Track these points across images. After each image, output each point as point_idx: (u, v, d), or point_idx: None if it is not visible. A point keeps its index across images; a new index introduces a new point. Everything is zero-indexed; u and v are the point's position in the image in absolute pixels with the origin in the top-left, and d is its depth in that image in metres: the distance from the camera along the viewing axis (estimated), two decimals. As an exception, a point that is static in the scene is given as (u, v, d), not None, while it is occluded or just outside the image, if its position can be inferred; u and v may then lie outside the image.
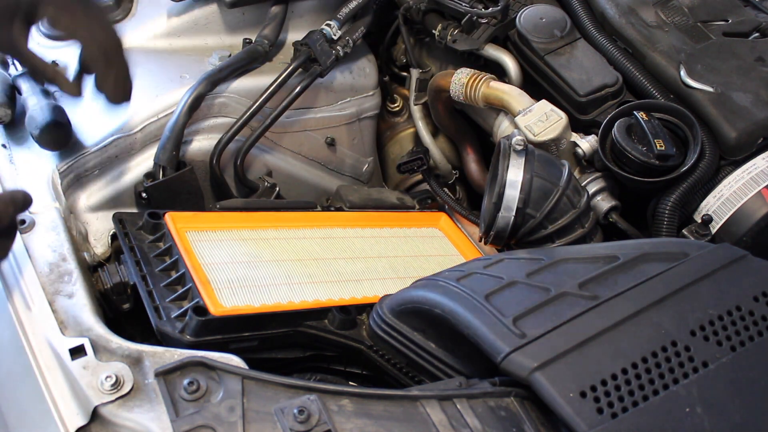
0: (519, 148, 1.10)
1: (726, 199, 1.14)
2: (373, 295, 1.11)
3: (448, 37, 1.37)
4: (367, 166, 1.56)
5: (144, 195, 1.21)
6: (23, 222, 1.05)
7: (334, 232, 1.26)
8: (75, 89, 0.95)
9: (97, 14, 0.93)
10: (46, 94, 1.20)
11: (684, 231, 1.13)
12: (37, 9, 0.89)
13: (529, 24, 1.31)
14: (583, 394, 0.77)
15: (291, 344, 1.05)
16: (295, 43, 1.36)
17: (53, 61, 1.31)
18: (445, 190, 1.49)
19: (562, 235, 1.11)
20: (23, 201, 0.85)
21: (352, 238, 1.26)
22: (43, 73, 0.94)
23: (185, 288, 1.00)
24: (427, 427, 0.79)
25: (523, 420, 0.81)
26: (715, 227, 1.14)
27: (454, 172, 1.52)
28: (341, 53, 1.36)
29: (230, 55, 1.34)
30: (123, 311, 1.10)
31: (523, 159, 1.09)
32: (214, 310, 0.95)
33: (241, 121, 1.29)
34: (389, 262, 1.23)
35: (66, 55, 1.34)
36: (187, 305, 0.97)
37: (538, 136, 1.19)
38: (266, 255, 1.14)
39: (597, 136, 1.19)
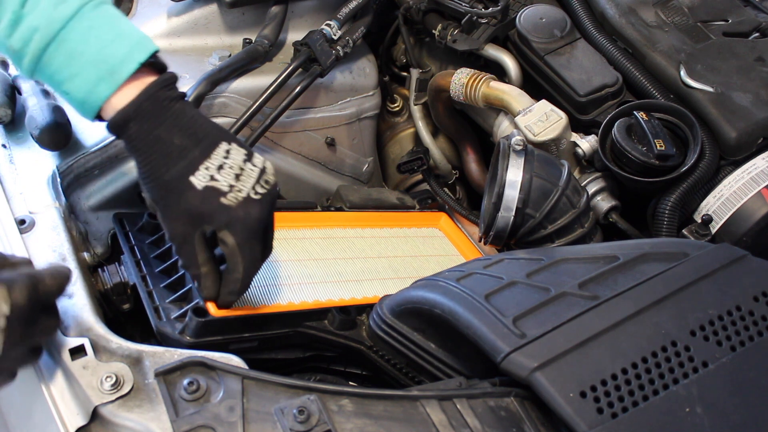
0: (518, 148, 1.10)
1: (726, 199, 1.14)
2: (373, 296, 1.11)
3: (448, 37, 1.37)
4: (367, 166, 1.56)
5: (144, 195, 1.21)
6: (23, 222, 1.05)
7: (334, 232, 1.26)
8: (215, 294, 0.95)
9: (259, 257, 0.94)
10: (46, 94, 1.20)
11: (684, 231, 1.13)
12: (220, 233, 0.89)
13: (529, 24, 1.31)
14: (583, 394, 0.77)
15: (291, 345, 1.05)
16: (295, 43, 1.36)
17: None
18: (445, 190, 1.49)
19: (562, 235, 1.11)
20: (67, 277, 0.84)
21: (352, 238, 1.26)
22: (196, 274, 0.93)
23: (185, 289, 1.00)
24: (427, 427, 0.79)
25: (523, 420, 0.81)
26: (715, 227, 1.14)
27: (454, 172, 1.52)
28: (341, 53, 1.36)
29: (230, 55, 1.34)
30: (123, 311, 1.10)
31: (523, 159, 1.09)
32: (214, 311, 0.95)
33: (241, 121, 1.29)
34: (389, 262, 1.23)
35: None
36: (187, 306, 0.97)
37: (538, 136, 1.19)
38: None
39: (597, 136, 1.19)
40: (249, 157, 0.90)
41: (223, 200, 0.87)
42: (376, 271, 1.20)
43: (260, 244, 0.92)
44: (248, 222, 0.88)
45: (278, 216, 1.22)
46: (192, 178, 0.87)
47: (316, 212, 1.29)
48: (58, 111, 1.16)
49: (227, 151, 0.88)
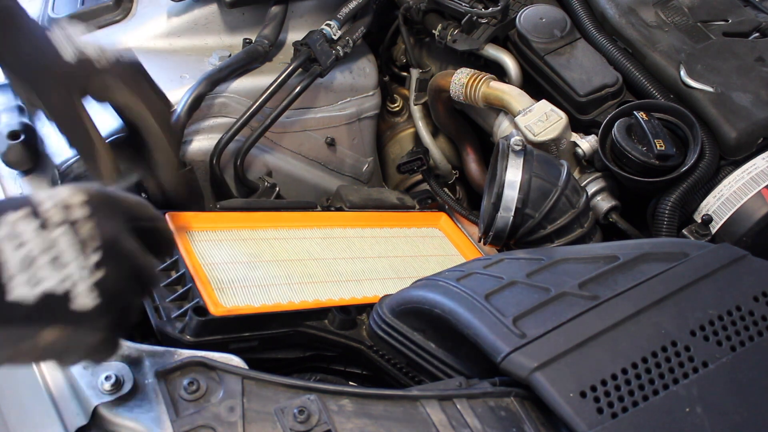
0: (517, 148, 1.10)
1: (726, 199, 1.14)
2: (373, 295, 1.11)
3: (448, 37, 1.37)
4: (367, 166, 1.56)
5: (144, 195, 1.21)
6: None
7: (334, 232, 1.26)
8: (111, 175, 0.89)
9: (153, 86, 0.90)
10: (21, 111, 1.19)
11: (684, 231, 1.13)
12: (90, 80, 0.86)
13: (529, 24, 1.31)
14: (583, 394, 0.77)
15: (291, 344, 1.05)
16: (295, 43, 1.36)
17: None
18: (445, 190, 1.49)
19: (561, 235, 1.11)
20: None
21: (352, 238, 1.26)
22: (84, 151, 0.88)
23: (185, 288, 1.00)
24: (427, 427, 0.79)
25: (523, 420, 0.81)
26: (715, 227, 1.14)
27: (454, 172, 1.52)
28: (341, 53, 1.36)
29: (230, 55, 1.34)
30: (123, 311, 1.09)
31: (522, 159, 1.09)
32: (215, 310, 0.95)
33: (241, 121, 1.29)
34: (389, 262, 1.23)
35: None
36: (187, 305, 0.97)
37: (538, 136, 1.19)
38: (266, 255, 1.14)
39: (597, 136, 1.19)
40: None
41: (96, 65, 0.86)
42: (376, 271, 1.20)
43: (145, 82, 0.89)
44: (115, 68, 0.86)
45: (278, 216, 1.22)
46: (64, 56, 0.85)
47: (316, 212, 1.29)
48: (28, 131, 1.15)
49: None
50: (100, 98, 0.88)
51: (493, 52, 1.34)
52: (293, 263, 1.14)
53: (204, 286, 0.99)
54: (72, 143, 0.89)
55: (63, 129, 0.88)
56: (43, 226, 0.59)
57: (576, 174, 1.23)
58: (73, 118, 0.86)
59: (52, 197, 0.61)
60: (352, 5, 1.39)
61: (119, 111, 0.89)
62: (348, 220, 1.30)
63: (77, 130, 0.87)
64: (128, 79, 0.86)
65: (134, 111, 0.87)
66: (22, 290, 0.57)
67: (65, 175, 1.16)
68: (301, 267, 1.13)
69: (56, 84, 0.86)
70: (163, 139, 0.87)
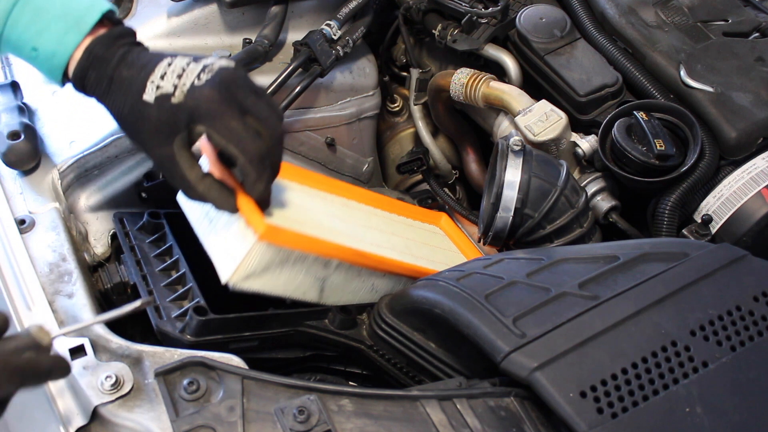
0: (516, 148, 1.10)
1: (726, 199, 1.14)
2: (399, 260, 1.09)
3: (448, 37, 1.37)
4: (367, 166, 1.56)
5: (144, 195, 1.21)
6: (23, 222, 1.05)
7: (351, 203, 1.24)
8: (233, 207, 0.91)
9: (248, 123, 0.89)
10: (21, 111, 1.20)
11: (684, 231, 1.13)
12: (193, 129, 0.87)
13: (529, 24, 1.31)
14: (583, 394, 0.77)
15: (291, 344, 1.05)
16: (295, 43, 1.36)
17: None
18: (445, 190, 1.49)
19: (561, 235, 1.11)
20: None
21: (368, 214, 1.25)
22: (198, 194, 0.90)
23: (185, 288, 1.00)
24: (427, 427, 0.79)
25: (523, 420, 0.81)
26: (715, 227, 1.14)
27: (454, 172, 1.52)
28: (341, 53, 1.36)
29: (230, 55, 1.34)
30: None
31: (521, 159, 1.09)
32: (261, 230, 0.91)
33: (241, 121, 1.29)
34: (404, 242, 1.22)
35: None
36: (187, 305, 0.97)
37: (538, 136, 1.19)
38: (318, 205, 1.13)
39: (597, 136, 1.19)
40: (195, 60, 0.89)
41: (173, 100, 0.86)
42: (393, 245, 1.18)
43: (234, 119, 0.87)
44: (201, 107, 0.86)
45: (299, 173, 1.20)
46: (144, 97, 0.86)
47: (334, 179, 1.26)
48: (28, 131, 1.15)
49: (169, 63, 0.88)
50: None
51: (493, 52, 1.34)
52: (338, 217, 1.13)
53: (249, 207, 0.93)
54: (183, 190, 0.91)
55: (172, 181, 0.91)
56: None
57: (576, 174, 1.23)
58: (177, 168, 0.88)
59: None
60: (352, 5, 1.39)
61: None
62: (362, 197, 1.28)
63: (183, 179, 0.89)
64: (211, 121, 0.87)
65: (226, 152, 0.89)
66: None
67: (65, 175, 1.16)
68: (335, 220, 1.12)
69: (152, 138, 0.88)
70: (250, 178, 0.89)
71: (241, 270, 0.92)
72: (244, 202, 0.91)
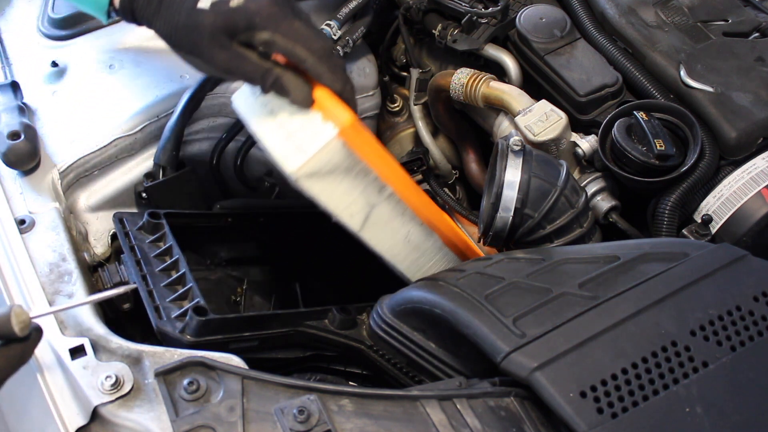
0: (516, 148, 1.10)
1: (726, 199, 1.14)
2: None
3: (448, 37, 1.37)
4: (367, 166, 1.56)
5: (144, 195, 1.21)
6: (23, 222, 1.05)
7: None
8: (309, 98, 0.88)
9: (307, 24, 0.88)
10: (21, 111, 1.20)
11: (684, 231, 1.13)
12: (254, 35, 0.86)
13: (529, 24, 1.31)
14: (583, 394, 0.77)
15: (291, 344, 1.05)
16: (295, 43, 1.35)
17: (53, 62, 1.31)
18: (445, 190, 1.49)
19: (561, 235, 1.11)
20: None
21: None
22: (275, 83, 0.87)
23: (185, 288, 1.00)
24: (427, 427, 0.79)
25: (523, 420, 0.81)
26: (715, 227, 1.14)
27: (454, 172, 1.52)
28: (341, 53, 1.36)
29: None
30: (123, 311, 1.10)
31: (521, 159, 1.09)
32: (345, 122, 0.88)
33: (241, 121, 1.29)
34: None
35: (66, 54, 1.34)
36: (187, 305, 0.97)
37: (538, 136, 1.19)
38: None
39: (597, 136, 1.19)
40: None
41: (231, 4, 0.85)
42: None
43: (297, 21, 0.86)
44: (263, 11, 0.85)
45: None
46: (199, 6, 0.86)
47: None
48: (28, 131, 1.15)
49: None
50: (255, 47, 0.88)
51: (493, 52, 1.34)
52: None
53: (330, 100, 0.90)
54: (254, 81, 0.89)
55: (240, 76, 0.89)
56: None
57: (576, 174, 1.23)
58: (242, 60, 0.87)
59: None
60: (352, 5, 1.39)
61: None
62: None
63: (252, 66, 0.87)
64: (274, 24, 0.86)
65: (292, 56, 0.87)
66: None
67: (65, 175, 1.16)
68: None
69: (212, 46, 0.87)
70: (326, 74, 0.87)
71: (311, 164, 0.88)
72: (323, 94, 0.88)
